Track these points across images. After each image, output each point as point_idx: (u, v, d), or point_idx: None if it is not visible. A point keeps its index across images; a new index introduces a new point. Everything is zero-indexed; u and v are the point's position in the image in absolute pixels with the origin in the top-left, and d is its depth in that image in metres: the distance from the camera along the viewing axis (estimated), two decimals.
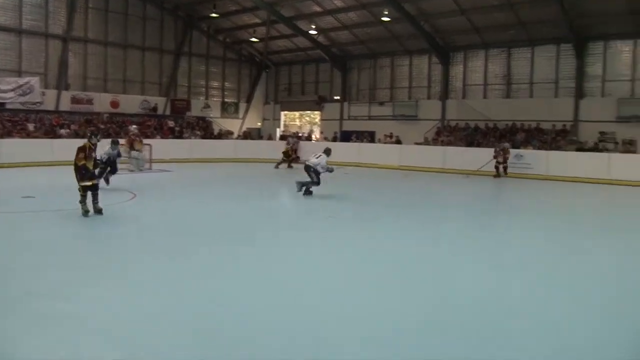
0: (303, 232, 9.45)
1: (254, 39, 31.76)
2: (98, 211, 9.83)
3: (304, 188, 13.34)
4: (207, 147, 26.15)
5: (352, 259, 7.23)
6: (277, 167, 22.49)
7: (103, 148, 13.12)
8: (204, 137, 28.91)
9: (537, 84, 24.57)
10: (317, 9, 27.20)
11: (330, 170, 13.43)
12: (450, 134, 25.82)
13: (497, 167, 19.97)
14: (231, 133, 31.52)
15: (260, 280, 6.14)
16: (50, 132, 23.95)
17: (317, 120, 34.84)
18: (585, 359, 4.29)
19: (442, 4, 23.69)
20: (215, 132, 30.97)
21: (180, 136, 27.88)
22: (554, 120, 23.24)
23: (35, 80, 24.51)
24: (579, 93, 23.09)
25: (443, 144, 24.49)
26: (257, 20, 29.95)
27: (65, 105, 26.94)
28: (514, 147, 21.36)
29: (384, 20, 25.53)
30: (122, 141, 17.24)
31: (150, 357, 4.16)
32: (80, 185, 9.73)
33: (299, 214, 11.88)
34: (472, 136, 24.96)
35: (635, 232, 9.94)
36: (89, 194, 9.74)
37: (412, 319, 4.95)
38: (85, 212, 9.67)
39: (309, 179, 13.41)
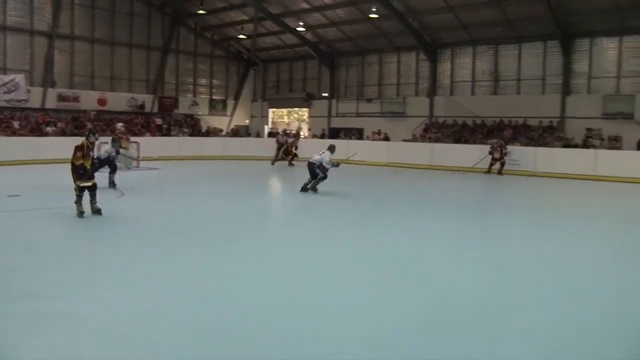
0: (300, 230, 9.39)
1: (241, 36, 31.68)
2: (96, 211, 9.54)
3: (308, 186, 13.47)
4: (195, 144, 26.02)
5: (351, 258, 7.19)
6: (273, 163, 22.46)
7: (101, 148, 13.00)
8: (191, 134, 28.79)
9: (524, 80, 24.74)
10: (305, 5, 27.16)
11: (337, 166, 13.50)
12: (438, 130, 25.91)
13: (491, 164, 19.84)
14: (221, 130, 31.44)
15: (260, 279, 6.12)
16: (36, 130, 23.73)
17: (305, 117, 34.82)
18: (585, 359, 4.30)
19: (429, 1, 23.81)
20: (203, 129, 30.86)
21: (168, 134, 27.74)
22: (541, 117, 23.42)
23: (20, 78, 24.18)
24: (566, 90, 23.30)
25: (431, 140, 24.56)
26: (245, 17, 29.86)
27: (52, 102, 26.73)
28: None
29: (371, 17, 25.57)
30: (108, 139, 17.03)
31: (150, 357, 4.15)
32: (76, 185, 9.43)
33: (295, 212, 11.83)
34: (459, 133, 25.07)
35: (631, 229, 9.95)
36: (87, 194, 9.45)
37: (412, 319, 4.95)
38: (81, 213, 9.36)
39: (309, 180, 13.50)
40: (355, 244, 8.14)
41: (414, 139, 25.54)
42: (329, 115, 31.78)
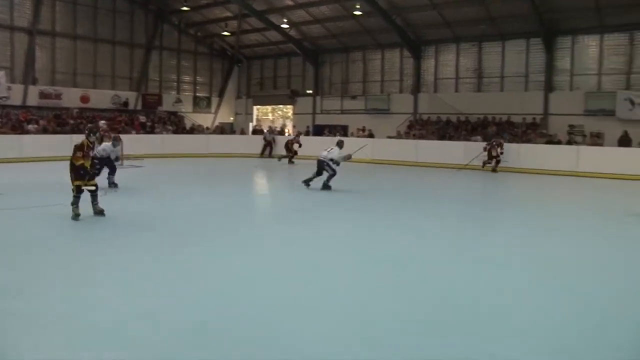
0: (298, 229, 9.26)
1: (225, 33, 31.56)
2: (99, 212, 9.21)
3: (310, 183, 13.54)
4: (179, 142, 25.82)
5: (351, 258, 7.16)
6: (279, 160, 22.37)
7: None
8: (175, 132, 28.61)
9: (507, 77, 24.98)
10: (289, 2, 27.16)
11: (348, 158, 13.58)
12: (422, 127, 26.03)
13: (487, 162, 19.73)
14: (208, 128, 31.33)
15: (260, 279, 6.10)
16: (18, 128, 23.41)
17: (289, 114, 34.79)
18: (585, 359, 4.30)
19: None
20: (188, 126, 30.70)
21: (152, 131, 27.51)
22: (525, 114, 23.66)
23: (0, 75, 23.95)
24: (549, 87, 23.56)
25: (415, 137, 24.65)
26: (229, 14, 29.77)
27: (33, 100, 26.43)
28: (485, 140, 21.62)
29: (356, 14, 25.64)
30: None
31: (150, 357, 4.13)
32: (74, 186, 8.98)
33: (292, 210, 11.58)
34: (444, 130, 25.21)
35: (629, 227, 9.92)
36: (89, 195, 9.10)
37: (412, 319, 4.94)
38: (76, 216, 8.91)
39: (314, 174, 13.55)
40: (355, 243, 8.08)
41: (399, 136, 25.63)
42: (314, 112, 31.81)
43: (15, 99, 25.52)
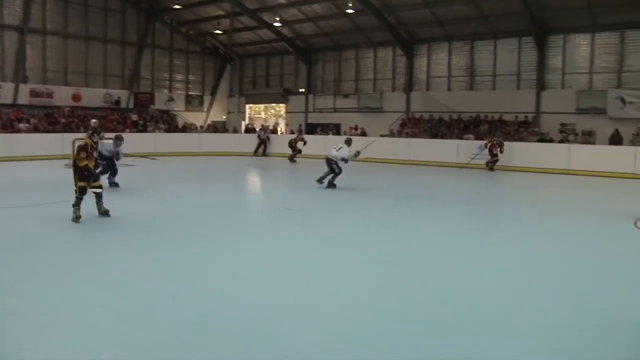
0: (297, 229, 9.21)
1: (217, 31, 31.45)
2: (104, 213, 9.11)
3: (324, 181, 13.61)
4: (171, 140, 25.71)
5: (351, 258, 7.15)
6: (293, 161, 22.22)
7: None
8: (168, 130, 28.51)
9: (499, 76, 25.05)
10: (282, 1, 27.12)
11: (357, 155, 13.60)
12: (415, 125, 26.09)
13: (491, 161, 19.73)
14: (202, 126, 31.26)
15: (259, 279, 6.10)
16: (9, 127, 23.25)
17: (282, 112, 34.76)
18: (585, 359, 4.31)
19: None
20: (180, 125, 30.60)
21: (144, 130, 27.41)
22: (517, 112, 23.75)
23: None
24: (540, 85, 23.65)
25: (408, 135, 24.71)
26: (221, 12, 29.66)
27: (24, 98, 26.20)
28: (478, 138, 21.74)
29: (348, 13, 25.64)
30: (83, 136, 16.51)
31: (150, 357, 4.14)
32: (77, 187, 8.77)
33: (289, 209, 11.46)
34: (436, 128, 25.27)
35: (627, 226, 9.92)
36: (94, 196, 8.98)
37: (412, 319, 4.96)
38: (77, 218, 8.68)
39: (326, 172, 13.62)
40: (354, 242, 8.09)
41: (391, 134, 25.66)
42: (306, 111, 31.79)
43: (6, 98, 25.32)
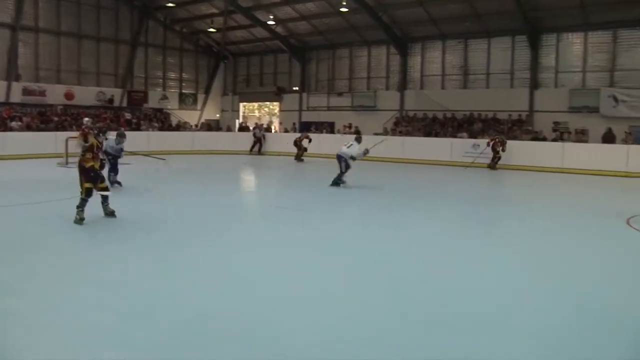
0: (297, 229, 9.16)
1: (211, 30, 31.43)
2: (110, 213, 8.94)
3: (342, 180, 13.60)
4: (165, 139, 25.59)
5: (351, 257, 7.14)
6: (300, 159, 22.18)
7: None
8: (161, 129, 28.43)
9: (493, 74, 25.14)
10: None
11: (366, 153, 13.63)
12: (409, 124, 26.15)
13: (495, 160, 19.69)
14: (196, 125, 31.18)
15: (259, 278, 6.10)
16: (1, 125, 23.11)
17: (276, 111, 34.73)
18: (585, 359, 4.31)
19: None
20: (174, 123, 30.54)
21: (137, 128, 27.31)
22: (510, 111, 23.82)
23: None
24: (534, 84, 23.76)
25: (401, 134, 24.74)
26: (215, 10, 29.59)
27: (17, 96, 26.08)
28: (472, 137, 21.83)
29: (342, 11, 25.69)
30: (76, 134, 16.35)
31: (150, 357, 4.14)
32: (83, 189, 8.52)
33: (289, 209, 11.40)
34: (430, 126, 25.34)
35: (626, 226, 9.85)
36: (99, 197, 8.79)
37: (411, 319, 4.96)
38: (80, 220, 8.43)
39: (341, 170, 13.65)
40: (354, 242, 8.09)
41: (385, 133, 25.67)
42: (300, 109, 31.81)
43: None
